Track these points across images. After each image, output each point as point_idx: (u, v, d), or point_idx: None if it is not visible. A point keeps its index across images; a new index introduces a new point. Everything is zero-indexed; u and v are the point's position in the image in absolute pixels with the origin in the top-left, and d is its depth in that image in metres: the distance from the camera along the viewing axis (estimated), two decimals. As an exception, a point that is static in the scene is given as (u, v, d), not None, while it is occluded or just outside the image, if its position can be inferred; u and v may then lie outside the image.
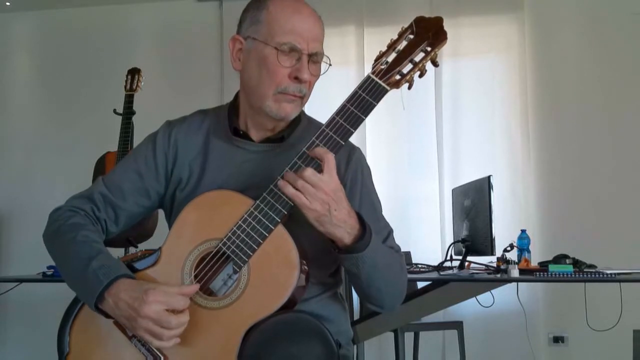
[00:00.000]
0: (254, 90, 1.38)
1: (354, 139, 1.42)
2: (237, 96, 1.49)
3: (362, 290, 1.36)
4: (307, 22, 1.35)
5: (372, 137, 4.22)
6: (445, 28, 1.30)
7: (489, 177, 2.86)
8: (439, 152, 4.21)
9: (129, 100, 3.44)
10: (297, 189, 1.22)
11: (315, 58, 1.36)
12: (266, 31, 1.35)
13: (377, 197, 1.48)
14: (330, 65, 1.39)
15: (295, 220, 1.28)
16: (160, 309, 1.20)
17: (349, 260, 1.28)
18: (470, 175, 3.48)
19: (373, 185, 1.49)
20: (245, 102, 1.44)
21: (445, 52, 4.15)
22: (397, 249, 1.44)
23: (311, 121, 1.51)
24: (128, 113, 3.41)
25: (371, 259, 1.28)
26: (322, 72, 1.40)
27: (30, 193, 4.54)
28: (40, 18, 4.83)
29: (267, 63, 1.34)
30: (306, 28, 1.34)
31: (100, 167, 3.43)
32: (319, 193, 1.22)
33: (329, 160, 1.23)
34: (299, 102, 1.38)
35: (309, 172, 1.22)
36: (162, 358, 1.27)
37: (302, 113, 1.47)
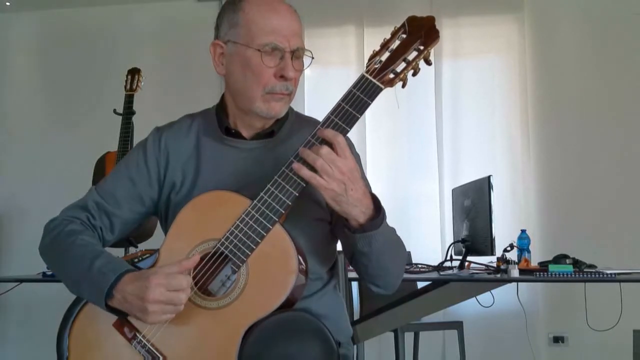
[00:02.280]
0: (241, 93, 1.39)
1: (354, 139, 1.42)
2: (223, 98, 1.49)
3: (370, 270, 1.35)
4: (285, 19, 1.36)
5: (372, 137, 4.21)
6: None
7: (489, 177, 2.85)
8: (439, 152, 4.21)
9: (129, 100, 3.44)
10: (313, 169, 1.22)
11: (297, 53, 1.37)
12: (246, 33, 1.35)
13: (368, 182, 1.47)
14: (312, 58, 1.41)
15: (293, 218, 1.29)
16: (164, 290, 1.20)
17: (363, 239, 1.28)
18: (470, 175, 3.47)
19: (363, 171, 1.49)
20: (233, 104, 1.45)
21: (445, 52, 4.15)
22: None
23: (299, 115, 1.53)
24: (128, 113, 3.40)
25: (383, 236, 1.29)
26: (305, 67, 1.41)
27: (30, 193, 4.53)
28: (40, 18, 4.82)
29: (252, 65, 1.35)
30: (285, 25, 1.35)
31: (100, 167, 3.43)
32: (336, 172, 1.22)
33: (340, 142, 1.23)
34: (287, 100, 1.40)
35: (326, 150, 1.22)
36: (161, 358, 1.26)
37: (289, 107, 1.48)
